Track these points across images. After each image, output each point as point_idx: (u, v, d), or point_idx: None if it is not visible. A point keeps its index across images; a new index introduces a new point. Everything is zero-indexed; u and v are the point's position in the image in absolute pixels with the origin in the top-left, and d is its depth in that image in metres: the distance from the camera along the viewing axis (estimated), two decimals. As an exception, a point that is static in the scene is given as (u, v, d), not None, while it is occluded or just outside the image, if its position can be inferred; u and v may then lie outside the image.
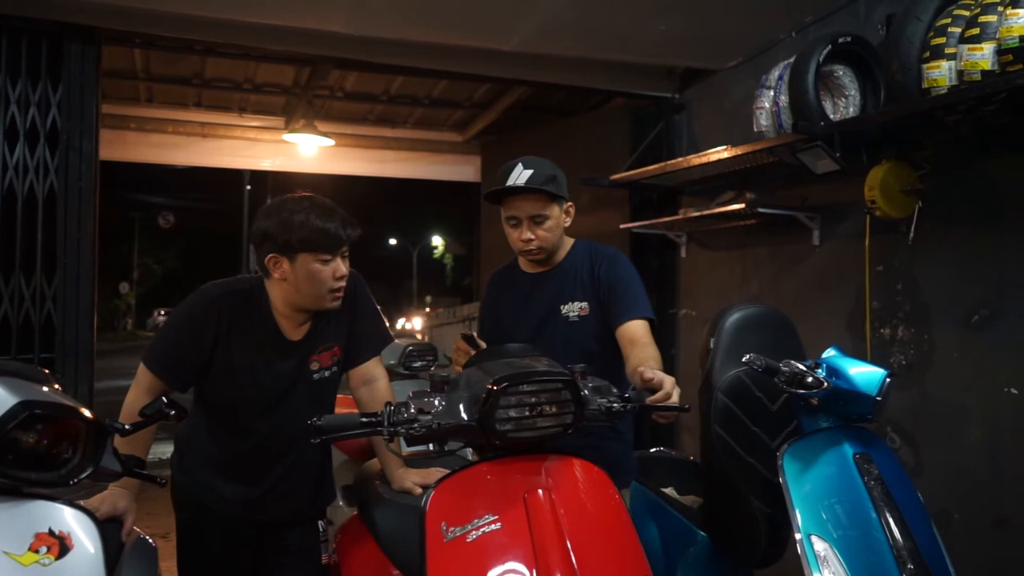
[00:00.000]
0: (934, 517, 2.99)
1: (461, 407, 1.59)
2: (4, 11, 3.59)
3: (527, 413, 1.58)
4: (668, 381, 1.77)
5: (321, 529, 2.43)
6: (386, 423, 1.60)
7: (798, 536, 1.96)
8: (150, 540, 2.13)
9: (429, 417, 1.59)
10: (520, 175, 2.27)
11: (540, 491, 1.56)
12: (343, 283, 2.09)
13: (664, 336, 4.98)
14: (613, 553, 1.57)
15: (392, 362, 3.77)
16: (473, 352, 2.12)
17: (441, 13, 3.78)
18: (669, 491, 2.87)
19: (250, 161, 7.09)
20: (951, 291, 3.10)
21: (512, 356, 1.74)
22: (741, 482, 2.32)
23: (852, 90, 3.38)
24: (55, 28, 3.73)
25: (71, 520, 1.38)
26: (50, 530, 1.33)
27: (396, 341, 3.11)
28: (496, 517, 1.52)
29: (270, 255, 2.02)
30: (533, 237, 2.31)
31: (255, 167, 7.41)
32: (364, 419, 1.63)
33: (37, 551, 1.30)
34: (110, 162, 7.23)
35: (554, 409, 1.60)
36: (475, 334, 2.26)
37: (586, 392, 1.69)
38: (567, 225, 2.39)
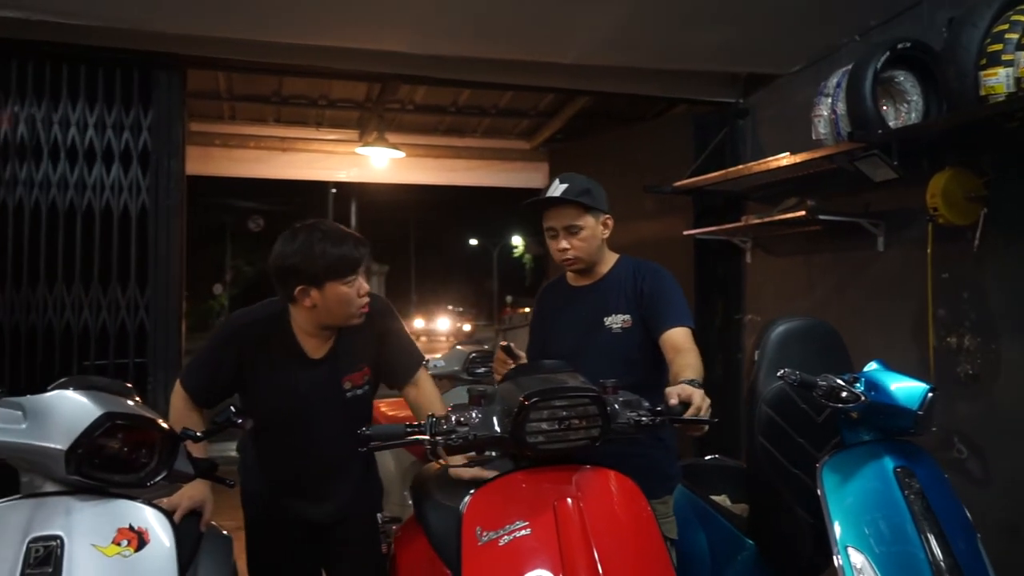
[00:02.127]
0: (1000, 530, 2.97)
1: (495, 420, 1.71)
2: (100, 44, 3.91)
3: (557, 426, 1.69)
4: (697, 395, 1.83)
5: (379, 521, 2.60)
6: (428, 434, 1.73)
7: (835, 548, 1.99)
8: (225, 532, 2.34)
9: (466, 429, 1.71)
10: (556, 188, 2.41)
11: (569, 500, 1.66)
12: (367, 298, 2.25)
13: (729, 342, 4.98)
14: (639, 562, 1.65)
15: (456, 368, 3.91)
16: (511, 362, 2.23)
17: (498, 31, 3.90)
18: (721, 499, 2.92)
19: (326, 173, 7.39)
20: (1019, 299, 3.03)
21: (546, 372, 1.85)
22: (786, 492, 2.36)
23: (914, 96, 3.33)
24: (144, 58, 4.04)
25: (149, 517, 1.57)
26: (130, 525, 1.52)
27: (459, 348, 3.24)
28: (527, 523, 1.62)
29: (299, 288, 2.16)
30: (568, 247, 2.41)
31: (331, 179, 7.70)
32: (408, 430, 1.76)
33: (119, 544, 1.48)
34: (213, 176, 7.68)
35: (582, 423, 1.69)
36: (512, 345, 2.37)
37: (616, 406, 1.78)
38: (605, 237, 2.47)
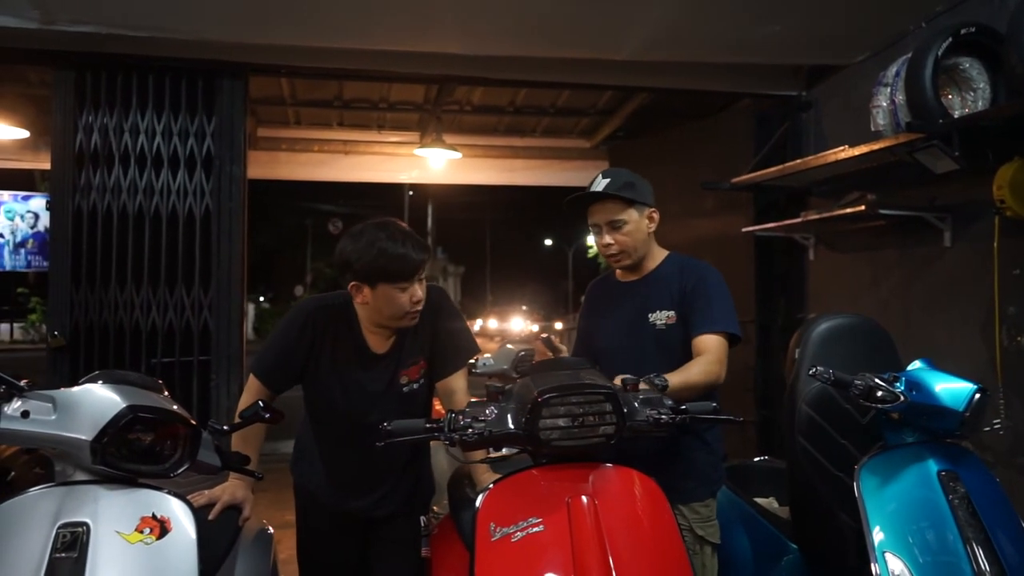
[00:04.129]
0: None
1: (510, 417, 1.71)
2: (167, 54, 4.09)
3: (572, 423, 1.68)
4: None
5: (423, 524, 2.62)
6: (446, 430, 1.75)
7: (873, 554, 1.91)
8: (269, 528, 2.40)
9: (482, 425, 1.71)
10: (598, 183, 2.40)
11: (584, 497, 1.64)
12: (419, 306, 2.23)
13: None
14: (654, 563, 1.62)
15: (505, 367, 3.90)
16: (551, 356, 2.22)
17: (547, 29, 3.90)
18: (768, 501, 2.85)
19: (388, 175, 7.52)
20: (1093, 296, 2.86)
21: (564, 368, 1.84)
22: (829, 495, 2.28)
23: (981, 83, 3.18)
24: (209, 66, 4.21)
25: (173, 507, 1.63)
26: (153, 514, 1.58)
27: (509, 347, 3.24)
28: (540, 520, 1.62)
29: (352, 283, 2.19)
30: (612, 242, 2.40)
31: (392, 180, 7.80)
32: (427, 425, 1.78)
33: (142, 531, 1.54)
34: (281, 180, 7.89)
35: (596, 420, 1.68)
36: (553, 338, 2.37)
37: (636, 404, 1.75)
38: (651, 231, 2.44)
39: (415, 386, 2.37)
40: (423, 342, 2.36)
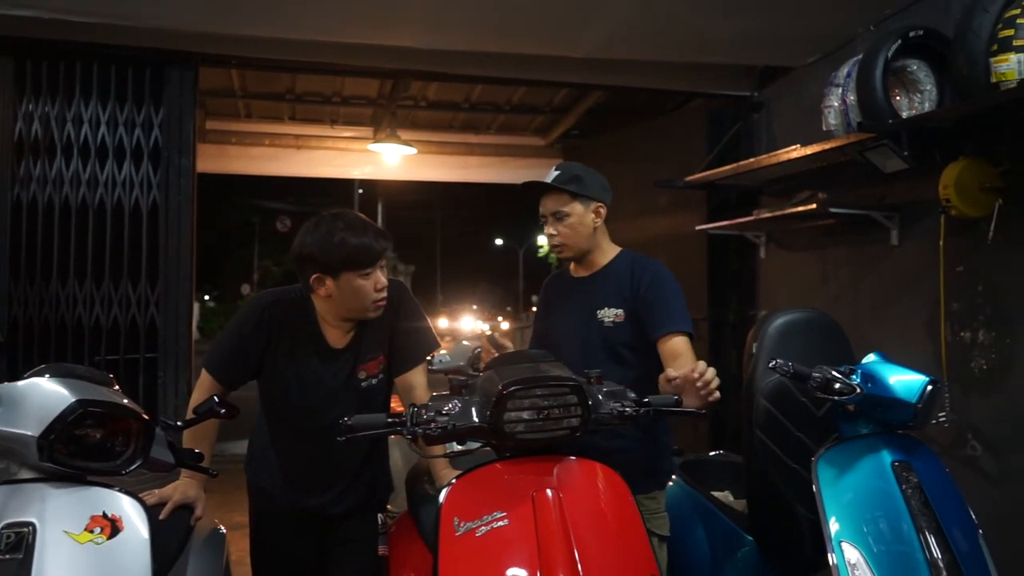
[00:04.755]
0: (1015, 528, 2.89)
1: (474, 410, 1.69)
2: (112, 42, 3.96)
3: (536, 416, 1.66)
4: (701, 364, 1.83)
5: (380, 522, 2.58)
6: (408, 424, 1.72)
7: (829, 544, 1.94)
8: (221, 528, 2.34)
9: (446, 419, 1.69)
10: (549, 175, 2.43)
11: (548, 490, 1.63)
12: (384, 293, 2.21)
13: (743, 338, 4.88)
14: (619, 553, 1.62)
15: (461, 363, 3.88)
16: (496, 353, 2.21)
17: (506, 24, 3.88)
18: (724, 494, 2.88)
19: (341, 170, 7.42)
20: (1034, 293, 2.95)
21: (528, 361, 1.82)
22: (785, 487, 2.32)
23: (928, 85, 3.26)
24: (157, 55, 4.08)
25: (124, 505, 1.56)
26: (104, 513, 1.52)
27: (464, 343, 3.22)
28: (504, 514, 1.60)
29: (314, 275, 2.15)
30: (555, 233, 2.42)
31: (345, 176, 7.70)
32: (389, 420, 1.75)
33: (92, 531, 1.48)
34: (231, 174, 7.73)
35: (562, 412, 1.67)
36: (497, 336, 2.36)
37: (599, 397, 1.75)
38: (597, 226, 2.44)
39: (374, 381, 2.33)
40: (382, 337, 2.33)
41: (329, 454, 2.27)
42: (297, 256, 2.18)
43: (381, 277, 2.19)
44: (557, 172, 2.40)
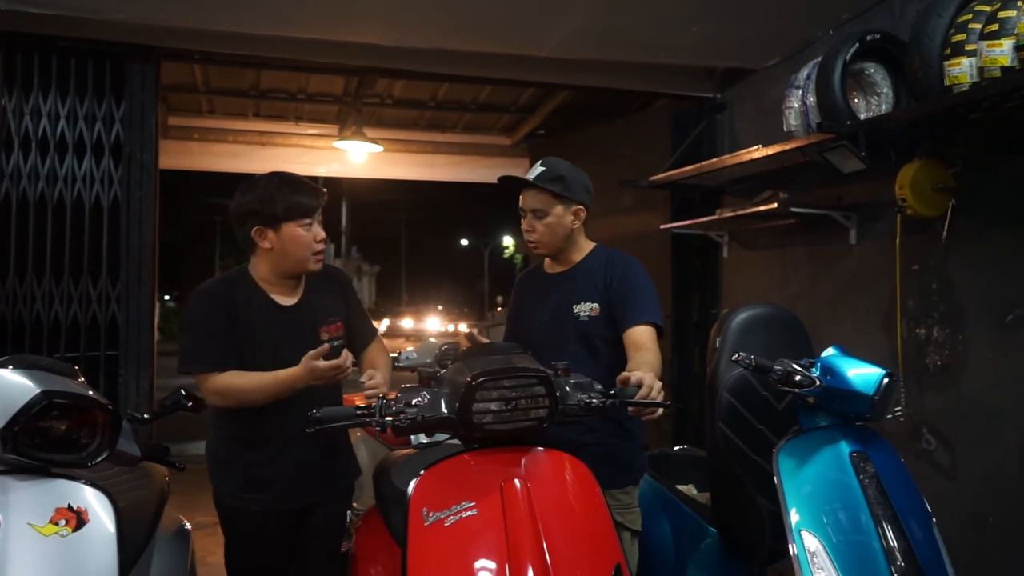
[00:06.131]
0: (969, 521, 2.98)
1: (443, 401, 1.70)
2: (72, 35, 3.89)
3: (504, 407, 1.68)
4: (647, 378, 1.83)
5: (348, 519, 2.57)
6: (377, 415, 1.72)
7: (790, 534, 1.99)
8: (187, 524, 2.32)
9: (415, 410, 1.70)
10: (533, 171, 2.42)
11: (517, 480, 1.65)
12: (323, 245, 2.31)
13: (706, 336, 4.97)
14: (586, 543, 1.65)
15: (428, 360, 3.88)
16: None
17: (471, 23, 3.90)
18: (688, 488, 2.92)
19: (306, 168, 7.32)
20: (986, 290, 3.04)
21: (497, 353, 1.84)
22: (746, 479, 2.36)
23: (885, 88, 3.34)
24: (118, 49, 4.02)
25: (89, 497, 1.55)
26: (69, 505, 1.50)
27: (432, 340, 3.23)
28: (473, 504, 1.62)
29: (256, 228, 2.22)
30: (532, 230, 2.44)
31: (311, 173, 7.61)
32: (359, 411, 1.75)
33: (57, 523, 1.46)
34: (194, 171, 7.61)
35: (530, 403, 1.69)
36: (477, 332, 2.37)
37: (567, 388, 1.77)
38: (574, 227, 2.46)
39: (335, 343, 2.32)
40: (338, 303, 2.42)
41: (285, 416, 2.22)
42: (237, 214, 2.25)
43: (319, 229, 2.29)
44: (542, 168, 2.39)
